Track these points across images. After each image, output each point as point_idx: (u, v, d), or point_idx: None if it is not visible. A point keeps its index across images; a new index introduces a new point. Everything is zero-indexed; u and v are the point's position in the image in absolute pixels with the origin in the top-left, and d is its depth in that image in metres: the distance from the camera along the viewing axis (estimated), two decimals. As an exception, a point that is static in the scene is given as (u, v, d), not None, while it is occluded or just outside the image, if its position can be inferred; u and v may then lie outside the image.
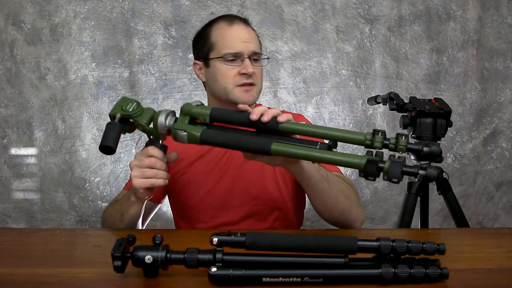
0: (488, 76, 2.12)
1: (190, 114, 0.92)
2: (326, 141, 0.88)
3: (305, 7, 2.06)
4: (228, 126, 0.92)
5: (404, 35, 2.09)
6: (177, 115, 0.96)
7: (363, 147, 0.87)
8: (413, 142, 0.85)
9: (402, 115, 1.36)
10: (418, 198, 1.52)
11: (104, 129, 0.95)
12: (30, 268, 0.85)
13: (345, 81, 2.09)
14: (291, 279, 0.73)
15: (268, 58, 1.30)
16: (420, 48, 2.09)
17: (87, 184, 2.01)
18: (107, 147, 0.92)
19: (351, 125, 2.11)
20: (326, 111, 2.10)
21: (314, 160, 0.88)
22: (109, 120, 0.98)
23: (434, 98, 1.37)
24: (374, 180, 0.83)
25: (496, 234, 1.08)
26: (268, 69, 2.07)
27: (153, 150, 0.98)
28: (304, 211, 1.33)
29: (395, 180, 0.82)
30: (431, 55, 2.10)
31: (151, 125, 0.96)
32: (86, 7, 2.03)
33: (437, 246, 0.76)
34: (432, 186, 1.57)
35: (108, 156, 2.00)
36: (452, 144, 2.13)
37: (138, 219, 1.11)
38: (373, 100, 1.53)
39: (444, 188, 1.52)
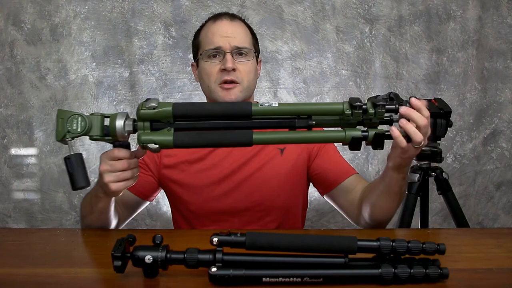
0: (488, 76, 2.12)
1: (149, 119, 0.85)
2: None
3: (305, 7, 2.06)
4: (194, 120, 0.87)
5: (404, 35, 2.09)
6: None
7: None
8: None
9: (402, 115, 1.36)
10: (418, 198, 1.52)
11: (69, 163, 0.89)
12: (30, 268, 0.85)
13: (345, 81, 2.09)
14: (291, 279, 0.73)
15: (256, 53, 1.22)
16: (420, 48, 2.09)
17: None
18: (81, 187, 0.88)
19: (351, 125, 2.11)
20: (326, 111, 2.10)
21: (297, 141, 0.88)
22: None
23: (434, 98, 1.36)
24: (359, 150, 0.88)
25: (496, 234, 1.08)
26: (268, 69, 2.07)
27: (120, 152, 0.92)
28: (306, 209, 1.33)
29: (379, 149, 0.87)
30: (431, 55, 2.10)
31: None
32: (86, 7, 2.03)
33: (437, 246, 0.76)
34: (432, 186, 1.57)
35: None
36: (452, 144, 2.13)
37: (108, 213, 1.06)
38: (373, 100, 1.52)
39: (444, 188, 1.52)
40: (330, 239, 0.78)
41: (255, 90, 1.25)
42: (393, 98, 1.36)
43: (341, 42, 2.08)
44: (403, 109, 0.87)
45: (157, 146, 0.84)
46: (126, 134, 0.87)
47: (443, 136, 1.32)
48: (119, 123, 0.86)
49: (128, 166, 0.93)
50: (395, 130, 0.87)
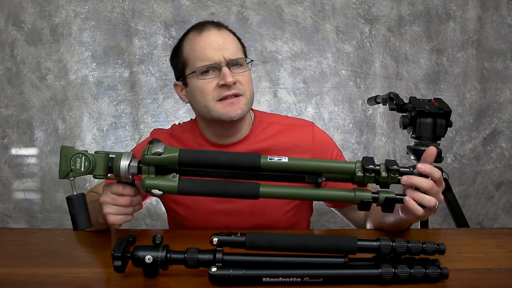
0: (488, 76, 2.12)
1: (154, 164, 0.83)
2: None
3: (305, 7, 2.06)
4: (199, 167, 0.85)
5: (404, 35, 2.09)
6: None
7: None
8: (404, 168, 0.84)
9: (402, 115, 1.36)
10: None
11: (71, 204, 0.86)
12: (30, 268, 0.85)
13: (345, 81, 2.09)
14: (291, 279, 0.74)
15: (252, 61, 1.12)
16: (420, 48, 2.09)
17: (88, 184, 2.01)
18: (83, 229, 0.86)
19: (351, 125, 2.11)
20: (326, 111, 2.10)
21: (305, 198, 0.87)
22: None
23: (434, 98, 1.36)
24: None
25: (496, 234, 1.08)
26: (268, 69, 2.07)
27: (124, 189, 0.89)
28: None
29: (389, 212, 0.86)
30: (431, 55, 2.10)
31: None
32: (87, 7, 2.03)
33: (437, 246, 0.77)
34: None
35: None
36: (452, 144, 2.13)
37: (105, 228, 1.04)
38: (373, 100, 1.53)
39: (444, 188, 1.52)
40: (330, 239, 0.78)
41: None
42: (393, 98, 1.37)
43: (341, 42, 2.08)
44: (404, 180, 0.83)
45: (161, 192, 0.83)
46: (130, 176, 0.85)
47: (443, 136, 1.32)
48: (124, 164, 0.84)
49: (130, 203, 0.91)
50: (410, 201, 0.84)
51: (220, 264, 0.74)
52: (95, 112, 2.07)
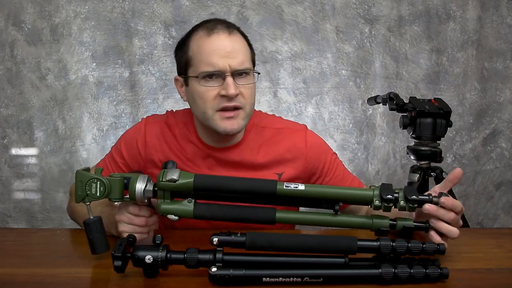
0: (487, 76, 2.12)
1: (169, 190, 0.82)
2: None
3: (305, 7, 2.06)
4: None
5: (404, 35, 2.09)
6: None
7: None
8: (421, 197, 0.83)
9: (402, 115, 1.36)
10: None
11: (88, 229, 0.85)
12: (30, 268, 0.85)
13: (345, 81, 2.09)
14: (291, 279, 0.74)
15: (259, 74, 1.08)
16: (420, 48, 2.09)
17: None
18: (101, 253, 0.86)
19: (351, 125, 2.11)
20: (326, 111, 2.10)
21: (322, 225, 0.87)
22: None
23: (434, 98, 1.37)
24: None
25: (496, 234, 1.08)
26: (268, 69, 2.07)
27: (141, 211, 0.89)
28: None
29: (408, 238, 0.84)
30: (430, 55, 2.10)
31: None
32: (87, 7, 2.03)
33: (437, 246, 0.77)
34: (432, 186, 1.57)
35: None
36: (452, 144, 2.13)
37: None
38: (373, 100, 1.53)
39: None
40: (330, 239, 0.78)
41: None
42: (393, 98, 1.37)
43: (341, 42, 2.08)
44: (427, 209, 0.81)
45: (177, 217, 0.83)
46: (145, 200, 0.85)
47: (443, 136, 1.32)
48: (139, 187, 0.84)
49: (146, 223, 0.89)
50: (435, 237, 0.83)
51: (220, 264, 0.74)
52: (95, 112, 2.07)
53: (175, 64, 1.09)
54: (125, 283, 0.77)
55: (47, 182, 2.08)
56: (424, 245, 0.77)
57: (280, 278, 0.73)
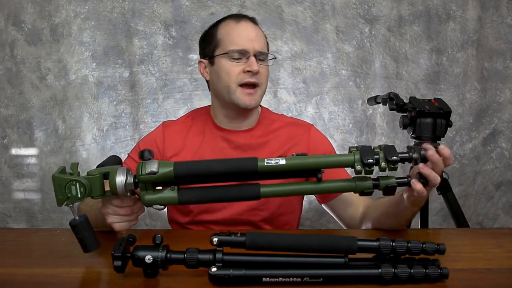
0: (487, 76, 2.12)
1: (151, 182, 0.82)
2: None
3: (305, 7, 2.06)
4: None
5: (404, 35, 2.09)
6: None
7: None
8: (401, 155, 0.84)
9: (402, 115, 1.36)
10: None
11: (76, 229, 0.83)
12: (30, 268, 0.85)
13: (345, 81, 2.09)
14: (291, 279, 0.74)
15: (275, 58, 1.26)
16: (420, 48, 2.09)
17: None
18: (94, 250, 0.85)
19: (351, 125, 2.11)
20: (326, 111, 2.10)
21: (307, 193, 0.87)
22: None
23: (434, 98, 1.36)
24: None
25: (496, 234, 1.08)
26: (268, 69, 2.07)
27: (124, 202, 0.90)
28: (303, 211, 1.33)
29: (390, 195, 0.88)
30: (430, 55, 2.10)
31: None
32: (87, 7, 2.03)
33: (437, 246, 0.77)
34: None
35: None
36: (452, 144, 2.13)
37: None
38: (373, 100, 1.53)
39: (444, 188, 1.52)
40: (330, 239, 0.78)
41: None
42: (393, 98, 1.37)
43: (341, 42, 2.08)
44: (431, 154, 0.85)
45: (162, 207, 0.83)
46: (128, 193, 0.84)
47: (443, 136, 1.32)
48: (120, 180, 0.83)
49: (131, 212, 0.91)
50: (417, 185, 0.86)
51: (220, 264, 0.74)
52: (95, 112, 2.07)
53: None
54: (125, 283, 0.77)
55: (47, 182, 2.08)
56: (424, 245, 0.77)
57: (280, 278, 0.73)
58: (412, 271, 0.74)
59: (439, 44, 2.09)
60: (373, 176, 0.84)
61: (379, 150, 0.83)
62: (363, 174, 0.83)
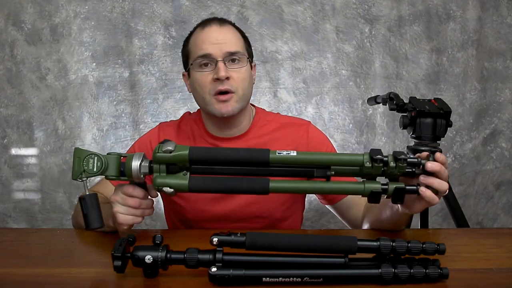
0: (487, 76, 2.12)
1: (165, 162, 0.84)
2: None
3: (305, 7, 2.06)
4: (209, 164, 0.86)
5: (404, 35, 2.09)
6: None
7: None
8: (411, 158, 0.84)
9: (402, 115, 1.36)
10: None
11: (84, 203, 0.87)
12: (30, 268, 0.85)
13: (345, 81, 2.09)
14: (291, 279, 0.74)
15: (249, 58, 1.15)
16: (420, 48, 2.09)
17: (88, 184, 2.01)
18: (95, 228, 0.87)
19: (351, 125, 2.11)
20: (326, 111, 2.10)
21: (315, 192, 0.87)
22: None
23: (434, 98, 1.36)
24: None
25: (496, 234, 1.08)
26: (268, 69, 2.07)
27: (134, 191, 0.91)
28: (304, 211, 1.33)
29: (399, 203, 0.87)
30: (430, 55, 2.10)
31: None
32: (86, 7, 2.03)
33: (437, 246, 0.77)
34: (432, 186, 1.57)
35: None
36: (452, 144, 2.13)
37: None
38: (373, 100, 1.53)
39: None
40: (330, 239, 0.78)
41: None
42: (393, 98, 1.37)
43: (341, 42, 2.08)
44: (430, 166, 0.84)
45: (172, 190, 0.84)
46: (141, 175, 0.86)
47: (443, 136, 1.32)
48: (135, 164, 0.85)
49: (139, 205, 0.92)
50: (427, 192, 0.84)
51: (220, 264, 0.74)
52: (95, 112, 2.07)
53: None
54: (125, 283, 0.77)
55: (47, 182, 2.08)
56: (424, 245, 0.77)
57: (280, 278, 0.73)
58: (412, 271, 0.74)
59: (439, 44, 2.09)
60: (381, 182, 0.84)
61: (388, 154, 0.84)
62: (370, 177, 0.83)
